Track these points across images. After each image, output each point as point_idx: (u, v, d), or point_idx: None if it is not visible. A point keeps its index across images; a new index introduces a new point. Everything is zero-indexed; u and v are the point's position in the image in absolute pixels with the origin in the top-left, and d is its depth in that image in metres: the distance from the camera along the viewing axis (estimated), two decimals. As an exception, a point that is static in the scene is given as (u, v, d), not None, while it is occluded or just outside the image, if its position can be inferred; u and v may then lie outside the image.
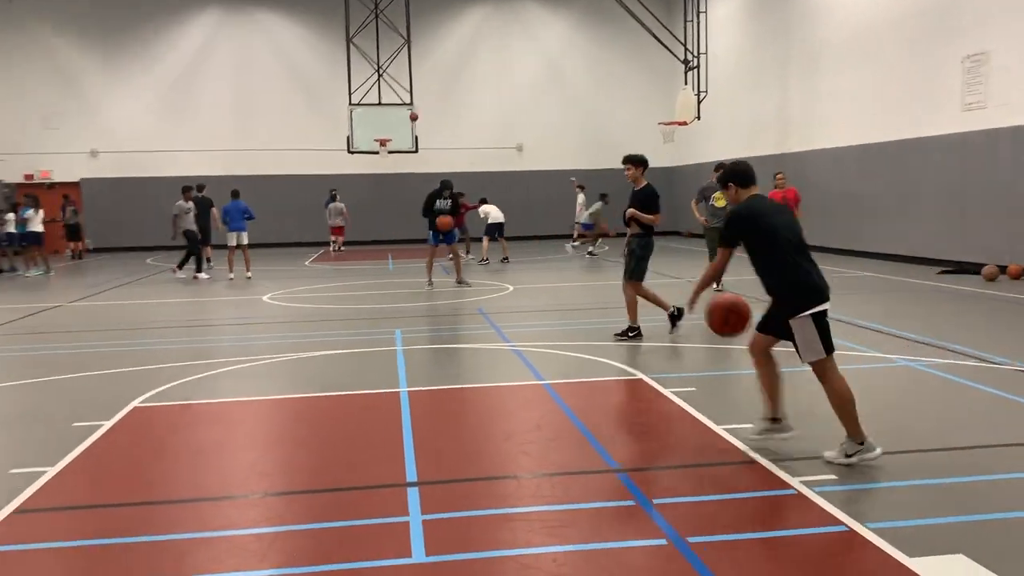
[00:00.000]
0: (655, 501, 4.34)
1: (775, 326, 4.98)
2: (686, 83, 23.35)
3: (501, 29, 28.16)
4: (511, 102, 28.01)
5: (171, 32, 27.01)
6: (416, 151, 23.92)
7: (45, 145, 26.44)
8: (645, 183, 8.98)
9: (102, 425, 5.91)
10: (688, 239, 25.16)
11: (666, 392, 6.60)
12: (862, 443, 4.80)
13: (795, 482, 4.52)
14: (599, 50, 28.38)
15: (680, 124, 22.84)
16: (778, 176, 13.46)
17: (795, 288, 4.83)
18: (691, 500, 4.48)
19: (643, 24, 22.92)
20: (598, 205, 21.07)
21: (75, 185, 26.69)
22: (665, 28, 23.44)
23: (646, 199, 8.83)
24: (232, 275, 16.79)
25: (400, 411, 6.23)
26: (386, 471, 4.92)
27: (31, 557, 3.87)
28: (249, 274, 16.73)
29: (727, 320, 5.13)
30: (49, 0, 26.17)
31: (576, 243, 22.92)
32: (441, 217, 14.14)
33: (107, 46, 26.67)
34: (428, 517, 4.18)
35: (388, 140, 23.40)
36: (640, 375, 7.24)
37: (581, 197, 23.69)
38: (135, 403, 6.56)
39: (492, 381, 7.48)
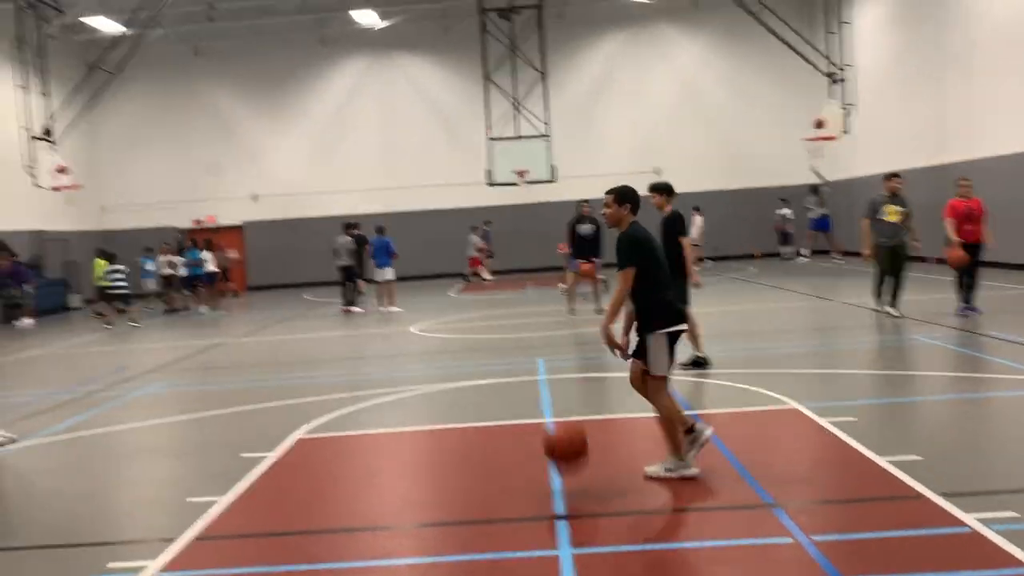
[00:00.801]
0: (815, 538, 4.15)
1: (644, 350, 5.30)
2: (831, 96, 22.50)
3: (636, 54, 28.14)
4: (648, 126, 27.86)
5: (322, 81, 28.68)
6: (554, 180, 24.17)
7: (211, 192, 28.58)
8: (671, 209, 8.73)
9: (268, 456, 6.26)
10: (842, 257, 24.04)
11: (823, 422, 6.32)
12: (683, 459, 5.19)
13: (969, 519, 4.21)
14: (737, 68, 27.83)
15: (827, 139, 22.00)
16: (962, 182, 11.64)
17: (662, 307, 5.30)
18: (854, 537, 4.25)
19: (783, 40, 22.32)
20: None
21: (238, 228, 28.63)
22: (806, 42, 22.72)
23: (665, 224, 8.62)
24: (382, 308, 17.48)
25: (547, 442, 6.25)
26: (534, 503, 4.95)
27: (209, 582, 4.14)
28: (395, 308, 17.34)
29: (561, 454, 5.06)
30: (211, 60, 28.42)
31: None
32: (584, 265, 14.06)
33: (264, 98, 28.62)
34: (579, 551, 4.17)
35: (526, 171, 23.78)
36: (794, 404, 6.97)
37: (699, 219, 23.46)
38: (297, 434, 6.92)
39: (638, 411, 7.38)
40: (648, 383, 5.32)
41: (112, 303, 18.47)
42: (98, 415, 8.47)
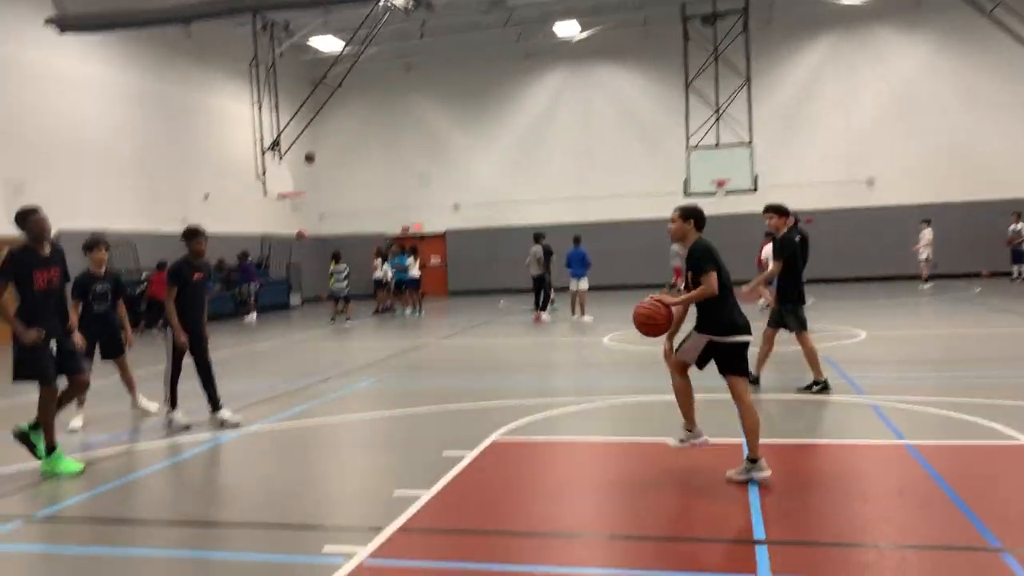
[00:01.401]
0: (1052, 591, 3.75)
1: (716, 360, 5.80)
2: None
3: (848, 58, 26.65)
4: (860, 133, 26.30)
5: (522, 93, 29.43)
6: (755, 190, 23.35)
7: (418, 201, 30.13)
8: (785, 230, 8.72)
9: (466, 455, 6.50)
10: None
11: (1062, 462, 5.68)
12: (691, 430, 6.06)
13: None
14: (964, 71, 25.61)
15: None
16: None
17: (720, 317, 5.70)
18: (1101, 595, 3.80)
19: (1021, 39, 20.31)
20: None
21: (441, 236, 29.95)
22: (1049, 39, 20.55)
23: (776, 243, 8.78)
24: (574, 317, 17.65)
25: (745, 463, 6.06)
26: (731, 525, 4.81)
27: (411, 573, 4.35)
28: (587, 317, 17.45)
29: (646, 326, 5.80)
30: (421, 75, 29.98)
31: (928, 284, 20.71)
32: None
33: (468, 110, 29.81)
34: (779, 579, 4.00)
35: (726, 180, 23.14)
36: (1026, 440, 6.31)
37: (928, 232, 21.76)
38: (494, 437, 7.13)
39: (845, 437, 7.00)
40: (674, 361, 5.96)
41: (336, 300, 20.26)
42: (315, 406, 9.15)
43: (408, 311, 21.75)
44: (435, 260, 29.99)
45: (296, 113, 25.15)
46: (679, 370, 5.94)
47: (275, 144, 24.01)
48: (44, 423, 6.61)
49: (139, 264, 21.03)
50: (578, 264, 17.81)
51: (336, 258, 20.98)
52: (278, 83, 24.68)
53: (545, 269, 18.73)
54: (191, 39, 24.13)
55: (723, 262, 5.72)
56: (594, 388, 9.51)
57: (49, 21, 18.68)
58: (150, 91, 22.77)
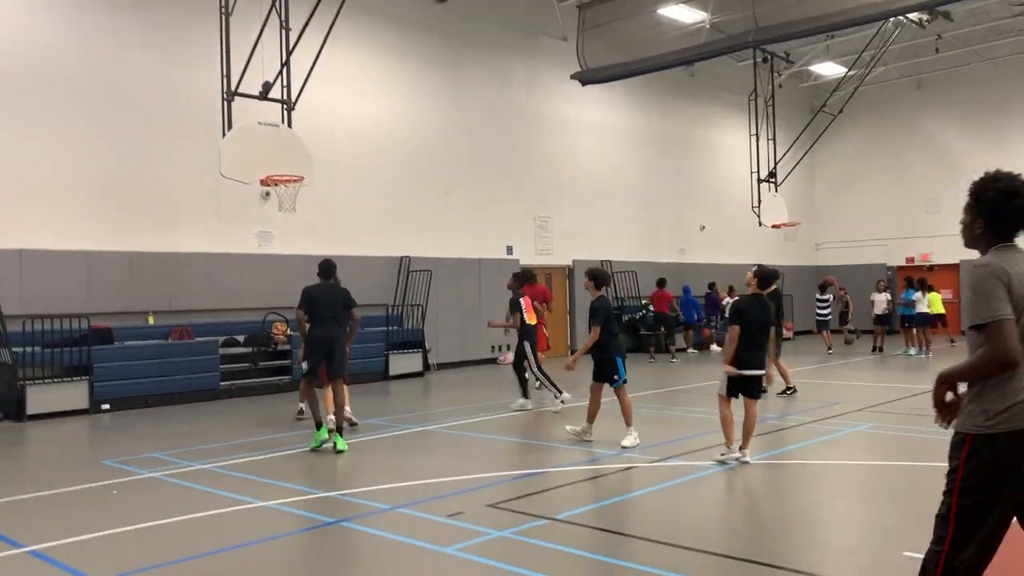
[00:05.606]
0: None
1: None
2: None
3: None
4: None
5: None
6: None
7: (925, 229, 27.42)
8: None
9: (992, 526, 5.63)
10: None
11: None
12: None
13: None
14: None
15: None
16: None
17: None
18: None
19: None
20: None
21: (954, 267, 26.84)
22: None
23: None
24: None
25: None
26: None
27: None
28: None
29: None
30: (933, 92, 27.27)
31: None
32: None
33: (989, 127, 26.36)
34: None
35: None
36: None
37: None
38: None
39: None
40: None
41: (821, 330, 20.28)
42: (811, 446, 8.81)
43: (913, 351, 19.85)
44: (946, 294, 26.93)
45: (794, 143, 24.84)
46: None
47: (771, 175, 23.97)
48: (309, 405, 9.21)
49: (639, 291, 22.57)
50: None
51: (822, 288, 20.93)
52: (775, 112, 24.63)
53: None
54: (694, 78, 25.36)
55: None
56: None
57: (573, 76, 21.18)
58: (655, 129, 24.43)
